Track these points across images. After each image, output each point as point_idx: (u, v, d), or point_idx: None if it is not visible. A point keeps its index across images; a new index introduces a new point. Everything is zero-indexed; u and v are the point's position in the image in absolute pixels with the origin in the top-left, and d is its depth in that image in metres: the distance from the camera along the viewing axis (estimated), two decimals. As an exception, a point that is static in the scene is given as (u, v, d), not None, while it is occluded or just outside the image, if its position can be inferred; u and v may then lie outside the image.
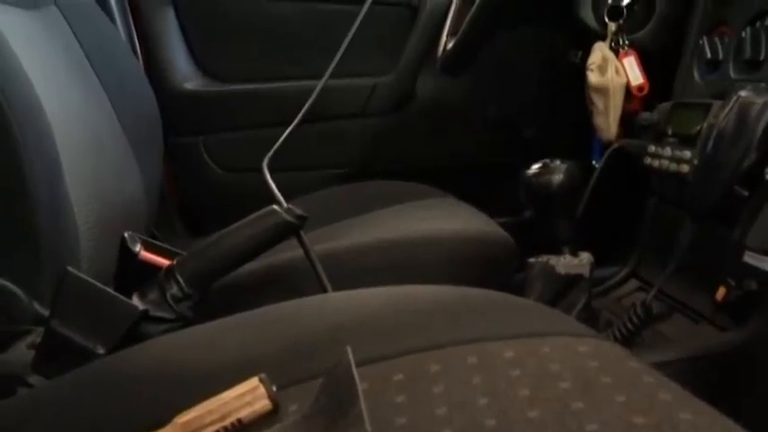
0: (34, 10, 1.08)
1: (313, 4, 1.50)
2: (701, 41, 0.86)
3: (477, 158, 1.56)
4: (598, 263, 0.89)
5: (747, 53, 0.76)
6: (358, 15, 1.44)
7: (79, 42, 1.15)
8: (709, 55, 0.84)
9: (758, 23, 0.77)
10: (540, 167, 0.86)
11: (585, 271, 0.84)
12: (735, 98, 0.66)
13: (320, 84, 1.41)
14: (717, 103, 0.73)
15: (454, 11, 1.19)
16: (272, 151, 1.03)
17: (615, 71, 0.99)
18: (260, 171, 1.28)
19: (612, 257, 1.01)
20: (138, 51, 1.47)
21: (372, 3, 1.45)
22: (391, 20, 1.51)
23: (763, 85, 0.70)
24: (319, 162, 1.52)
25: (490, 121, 1.54)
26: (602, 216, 0.95)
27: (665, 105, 0.85)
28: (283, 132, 1.37)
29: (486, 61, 1.35)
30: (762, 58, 0.75)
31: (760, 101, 0.65)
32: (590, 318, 0.87)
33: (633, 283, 0.95)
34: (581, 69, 1.03)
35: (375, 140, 1.54)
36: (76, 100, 1.08)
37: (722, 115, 0.68)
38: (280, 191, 0.87)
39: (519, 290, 0.85)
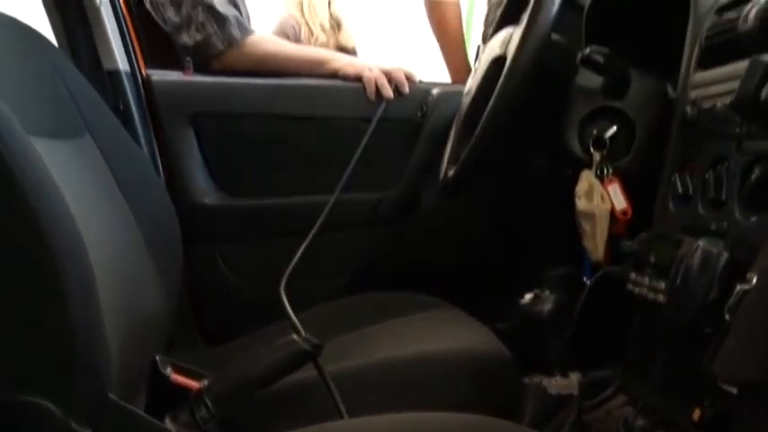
0: (71, 140, 1.19)
1: (324, 122, 1.62)
2: (673, 177, 0.96)
3: (479, 264, 1.65)
4: (589, 375, 0.97)
5: (711, 193, 0.86)
6: (366, 131, 1.58)
7: (108, 165, 1.25)
8: (680, 190, 0.93)
9: (719, 166, 0.86)
10: (532, 298, 0.95)
11: (575, 390, 0.91)
12: (695, 246, 0.75)
13: (331, 200, 1.53)
14: (687, 240, 0.82)
15: (453, 138, 1.30)
16: (287, 274, 1.12)
17: (600, 198, 1.08)
18: (274, 281, 1.38)
19: (603, 370, 1.09)
20: (161, 168, 1.58)
21: (379, 120, 1.59)
22: (397, 136, 1.63)
23: (725, 224, 0.79)
24: (328, 270, 1.61)
25: (492, 228, 1.64)
26: (592, 333, 1.03)
27: (644, 236, 0.94)
28: (296, 242, 1.48)
29: (488, 174, 1.46)
30: (723, 198, 0.84)
31: (715, 251, 0.74)
32: (580, 434, 0.94)
33: (622, 398, 1.02)
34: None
35: (381, 248, 1.64)
36: (105, 218, 1.18)
37: (687, 257, 0.77)
38: (290, 299, 0.95)
39: (515, 407, 0.92)
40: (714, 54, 0.92)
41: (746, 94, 0.72)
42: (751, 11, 0.84)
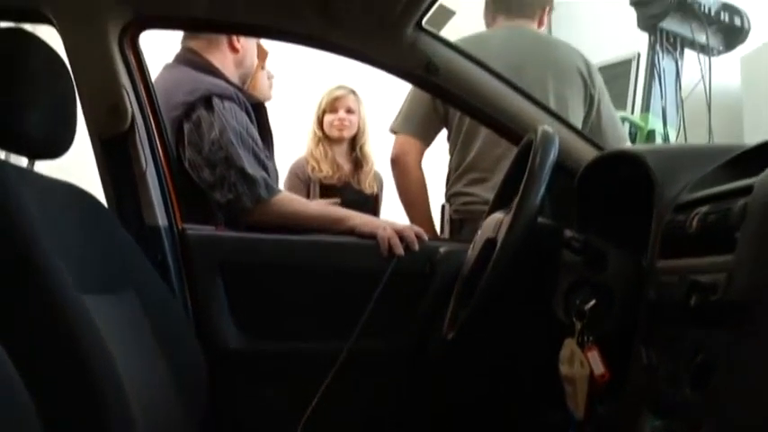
0: (116, 294, 1.36)
1: (341, 275, 1.78)
2: (640, 349, 1.10)
3: (479, 408, 1.76)
4: None
5: (668, 369, 0.99)
6: (379, 284, 1.73)
7: (147, 315, 1.41)
8: (645, 361, 1.07)
9: (675, 346, 1.00)
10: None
11: None
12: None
13: (346, 348, 1.67)
14: (643, 417, 0.95)
15: (453, 302, 1.45)
16: (303, 420, 1.24)
17: (581, 364, 1.22)
18: (292, 425, 1.50)
19: None
20: (191, 313, 1.73)
21: (390, 275, 1.75)
22: (407, 289, 1.77)
23: (677, 398, 0.93)
24: (342, 415, 1.73)
25: (492, 374, 1.76)
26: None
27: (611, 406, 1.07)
28: (312, 385, 1.62)
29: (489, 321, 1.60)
30: (677, 374, 0.98)
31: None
32: None
33: None
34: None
35: (388, 392, 1.76)
36: (142, 363, 1.34)
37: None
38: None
39: None
40: (670, 247, 1.08)
41: (677, 300, 0.87)
42: (695, 218, 1.00)
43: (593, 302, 1.24)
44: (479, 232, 1.39)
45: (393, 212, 2.62)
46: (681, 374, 0.95)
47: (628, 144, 2.33)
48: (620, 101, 2.53)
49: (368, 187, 3.08)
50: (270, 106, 2.10)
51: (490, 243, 1.27)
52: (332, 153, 3.06)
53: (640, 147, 1.40)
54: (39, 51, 1.33)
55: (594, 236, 1.29)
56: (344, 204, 2.86)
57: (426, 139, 2.26)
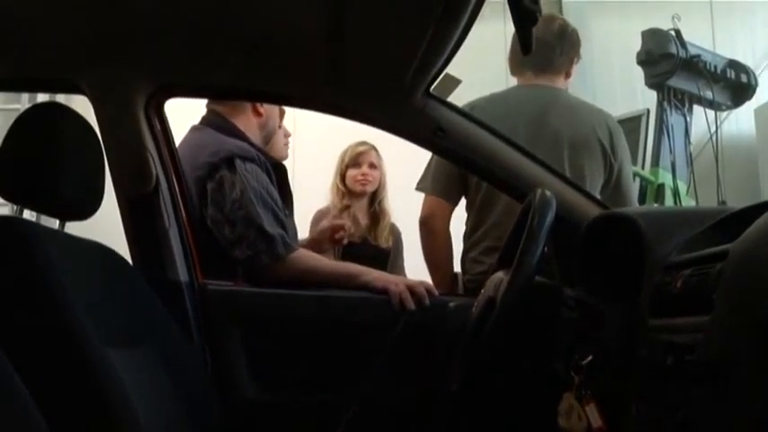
0: (139, 348, 1.44)
1: (354, 328, 1.84)
2: (634, 404, 1.16)
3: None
4: None
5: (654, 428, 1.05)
6: (391, 338, 1.80)
7: (167, 367, 1.49)
8: (635, 414, 1.13)
9: (662, 406, 1.06)
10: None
11: None
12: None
13: (358, 399, 1.73)
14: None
15: (459, 355, 1.51)
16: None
17: (578, 417, 1.27)
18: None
19: None
20: (209, 364, 1.81)
21: (402, 328, 1.82)
22: (418, 343, 1.84)
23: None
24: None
25: (495, 425, 1.81)
26: None
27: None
28: None
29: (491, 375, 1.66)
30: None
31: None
32: None
33: None
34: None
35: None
36: (163, 412, 1.42)
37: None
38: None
39: None
40: (659, 306, 1.14)
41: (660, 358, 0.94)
42: (679, 279, 1.07)
43: (590, 358, 1.30)
44: (482, 291, 1.46)
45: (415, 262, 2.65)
46: (666, 429, 1.01)
47: None
48: (631, 156, 2.59)
49: (384, 242, 3.14)
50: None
51: (490, 301, 1.34)
52: (353, 208, 3.13)
53: (634, 209, 1.46)
54: (72, 122, 1.44)
55: (593, 292, 1.36)
56: (361, 260, 2.97)
57: (454, 199, 2.31)
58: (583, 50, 2.47)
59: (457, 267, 2.37)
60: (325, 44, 1.58)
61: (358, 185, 3.13)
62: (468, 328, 1.43)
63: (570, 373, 1.32)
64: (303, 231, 2.58)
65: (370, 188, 3.15)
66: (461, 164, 1.97)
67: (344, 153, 3.17)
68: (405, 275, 3.01)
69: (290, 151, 2.39)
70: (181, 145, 2.02)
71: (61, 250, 1.32)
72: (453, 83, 2.26)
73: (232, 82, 1.80)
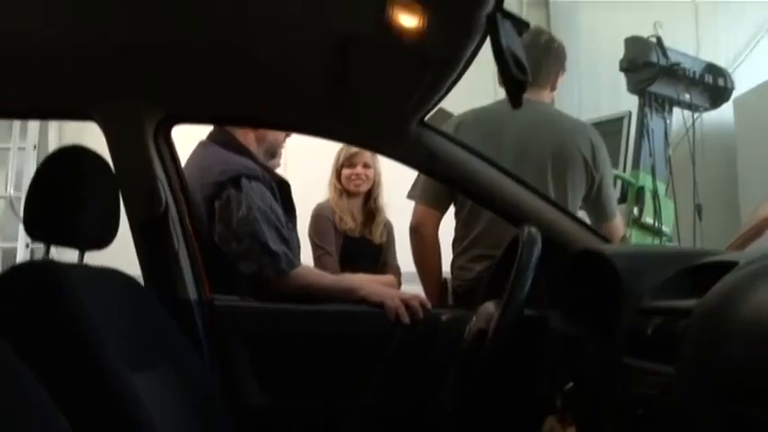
0: (156, 369, 1.56)
1: (352, 341, 1.97)
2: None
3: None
4: None
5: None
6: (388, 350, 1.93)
7: (182, 383, 1.62)
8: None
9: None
10: None
11: None
12: None
13: (358, 406, 1.87)
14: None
15: (452, 374, 1.65)
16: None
17: (559, 443, 1.42)
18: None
19: None
20: (218, 375, 1.93)
21: (397, 341, 1.95)
22: (413, 355, 1.97)
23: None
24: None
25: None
26: None
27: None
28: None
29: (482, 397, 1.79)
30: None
31: None
32: None
33: None
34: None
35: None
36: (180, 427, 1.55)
37: None
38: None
39: None
40: (633, 346, 1.27)
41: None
42: (651, 325, 1.20)
43: (570, 384, 1.43)
44: (474, 319, 1.59)
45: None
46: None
47: (617, 219, 2.55)
48: (612, 157, 2.72)
49: (378, 237, 3.25)
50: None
51: (481, 333, 1.47)
52: (350, 205, 3.24)
53: (612, 249, 1.58)
54: (93, 163, 1.55)
55: (574, 323, 1.49)
56: (358, 255, 3.10)
57: (443, 207, 2.44)
58: (569, 50, 2.59)
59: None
60: (327, 80, 1.69)
61: (352, 185, 3.23)
62: (461, 358, 1.56)
63: (553, 397, 1.45)
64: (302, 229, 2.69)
65: (364, 187, 3.25)
66: (452, 186, 2.09)
67: (339, 153, 3.25)
68: (398, 268, 3.18)
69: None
70: (190, 161, 2.14)
71: (84, 282, 1.44)
72: (445, 116, 2.37)
73: (237, 111, 1.90)
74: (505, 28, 1.13)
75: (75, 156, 1.53)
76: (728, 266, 1.11)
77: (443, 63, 1.50)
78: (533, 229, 1.51)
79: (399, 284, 3.21)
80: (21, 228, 4.33)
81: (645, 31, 3.10)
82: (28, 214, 1.47)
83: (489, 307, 1.54)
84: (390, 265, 3.24)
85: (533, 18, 5.02)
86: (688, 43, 4.23)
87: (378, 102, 1.72)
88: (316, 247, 3.12)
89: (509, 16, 1.18)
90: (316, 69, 1.66)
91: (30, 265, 1.52)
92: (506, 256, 1.65)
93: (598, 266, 1.51)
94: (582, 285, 1.56)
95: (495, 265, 1.72)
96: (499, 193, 1.89)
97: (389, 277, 3.20)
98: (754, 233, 1.92)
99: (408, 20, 1.29)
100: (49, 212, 1.47)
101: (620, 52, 3.19)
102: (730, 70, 3.55)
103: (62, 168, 1.51)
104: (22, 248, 4.33)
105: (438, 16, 1.30)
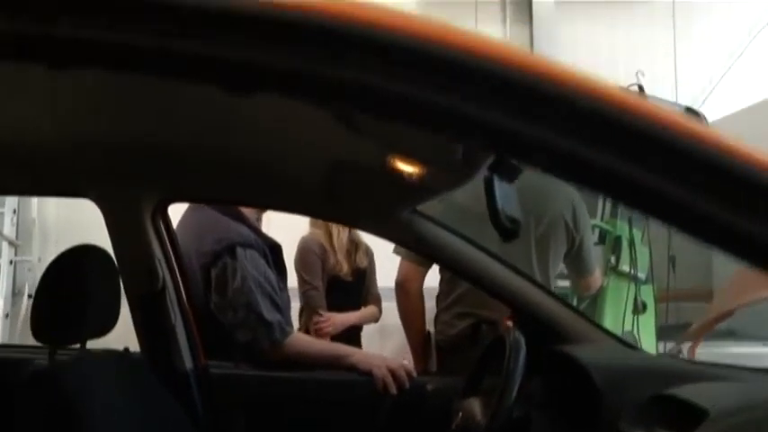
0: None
1: (342, 409, 2.06)
2: None
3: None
4: None
5: None
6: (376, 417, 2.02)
7: None
8: None
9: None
10: None
11: None
12: None
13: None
14: None
15: None
16: None
17: None
18: None
19: None
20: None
21: (383, 408, 2.04)
22: (399, 418, 2.06)
23: None
24: None
25: None
26: None
27: None
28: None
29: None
30: None
31: None
32: None
33: None
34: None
35: None
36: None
37: None
38: None
39: None
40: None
41: None
42: None
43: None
44: (460, 414, 1.68)
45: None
46: None
47: (596, 272, 2.66)
48: (591, 208, 2.81)
49: (361, 263, 3.33)
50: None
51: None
52: (339, 244, 3.26)
53: (591, 357, 1.66)
54: (98, 260, 1.62)
55: (554, 420, 1.58)
56: (346, 292, 3.21)
57: (428, 264, 2.49)
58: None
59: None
60: (323, 175, 1.75)
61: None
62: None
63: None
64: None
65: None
66: (442, 266, 2.19)
67: None
68: (379, 297, 3.33)
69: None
70: (186, 223, 2.20)
71: (86, 368, 1.54)
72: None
73: (233, 195, 1.97)
74: (501, 186, 1.20)
75: (79, 256, 1.59)
76: (698, 412, 1.21)
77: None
78: (518, 334, 1.59)
79: (380, 312, 3.32)
80: (4, 244, 4.36)
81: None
82: (35, 320, 1.53)
83: (475, 406, 1.63)
84: (372, 294, 3.35)
85: (516, 35, 5.09)
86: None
87: (371, 197, 1.79)
88: (303, 281, 3.20)
89: (500, 166, 1.25)
90: (311, 169, 1.73)
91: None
92: (486, 355, 1.75)
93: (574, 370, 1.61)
94: (559, 381, 1.65)
95: (478, 360, 1.81)
96: (487, 275, 1.97)
97: (372, 309, 3.33)
98: (719, 318, 2.01)
99: (406, 168, 1.37)
100: (55, 320, 1.53)
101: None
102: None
103: (68, 270, 1.57)
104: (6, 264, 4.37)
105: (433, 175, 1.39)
